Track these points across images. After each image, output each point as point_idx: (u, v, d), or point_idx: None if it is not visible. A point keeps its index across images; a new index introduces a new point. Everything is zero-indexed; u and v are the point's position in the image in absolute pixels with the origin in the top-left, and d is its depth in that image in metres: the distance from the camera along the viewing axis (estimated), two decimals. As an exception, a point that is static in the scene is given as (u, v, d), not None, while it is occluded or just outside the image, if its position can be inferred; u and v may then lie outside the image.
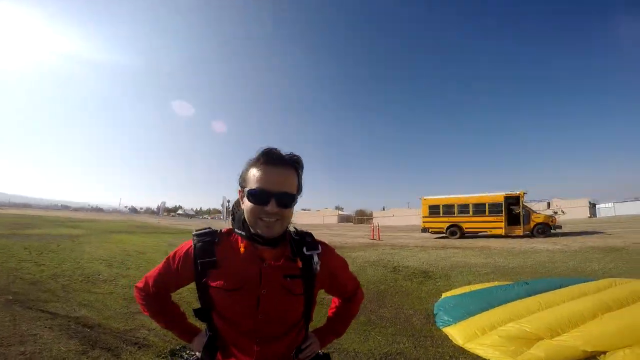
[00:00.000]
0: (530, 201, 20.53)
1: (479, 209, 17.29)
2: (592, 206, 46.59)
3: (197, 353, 1.08)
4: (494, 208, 16.89)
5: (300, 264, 1.01)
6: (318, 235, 1.15)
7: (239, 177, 1.02)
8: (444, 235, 17.82)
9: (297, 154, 0.99)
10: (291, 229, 1.08)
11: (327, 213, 72.53)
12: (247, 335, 0.99)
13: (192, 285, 1.06)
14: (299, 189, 1.00)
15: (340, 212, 73.08)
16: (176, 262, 1.04)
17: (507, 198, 16.74)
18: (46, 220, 19.64)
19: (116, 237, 12.90)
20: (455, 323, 3.48)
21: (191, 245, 1.02)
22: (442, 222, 18.00)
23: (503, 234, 16.44)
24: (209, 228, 1.06)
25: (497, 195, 17.06)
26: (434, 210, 18.52)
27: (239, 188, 1.02)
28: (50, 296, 4.30)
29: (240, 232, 1.02)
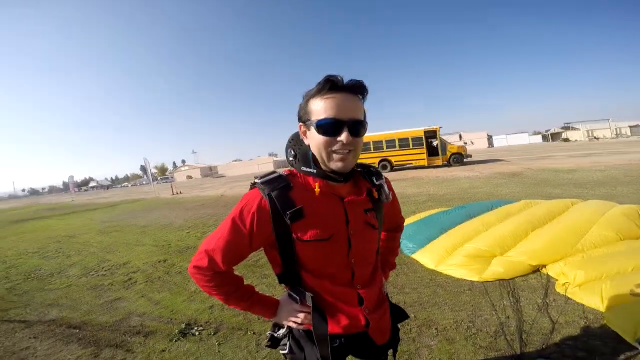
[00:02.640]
0: (444, 134, 22.94)
1: (404, 143, 18.93)
2: (490, 137, 55.09)
3: (296, 322, 0.92)
4: (416, 142, 18.70)
5: (376, 195, 0.96)
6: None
7: (298, 110, 0.89)
8: (376, 169, 19.29)
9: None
10: None
11: (262, 161, 71.75)
12: (347, 285, 0.91)
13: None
14: (365, 117, 0.88)
15: (275, 159, 72.69)
16: (248, 221, 0.84)
17: (426, 132, 18.60)
18: None
19: (30, 226, 11.24)
20: (420, 249, 3.91)
21: (261, 197, 0.84)
22: (374, 157, 19.37)
23: (426, 164, 18.57)
24: (274, 172, 0.90)
25: (418, 130, 18.84)
26: (365, 146, 19.57)
27: (300, 123, 0.89)
28: (4, 304, 3.73)
29: (309, 170, 0.89)
